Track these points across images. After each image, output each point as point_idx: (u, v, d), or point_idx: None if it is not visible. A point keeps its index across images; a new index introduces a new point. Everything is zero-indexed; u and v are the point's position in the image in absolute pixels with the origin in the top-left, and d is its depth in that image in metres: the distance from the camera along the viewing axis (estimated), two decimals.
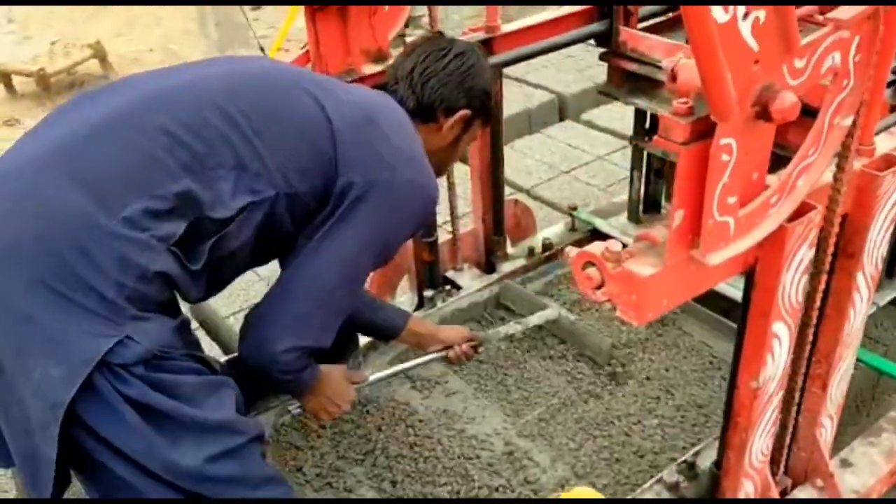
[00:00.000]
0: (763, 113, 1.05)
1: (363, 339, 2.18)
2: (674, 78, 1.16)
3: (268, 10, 5.86)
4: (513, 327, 2.12)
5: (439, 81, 1.60)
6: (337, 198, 1.45)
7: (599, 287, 1.21)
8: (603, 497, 1.21)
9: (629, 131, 3.63)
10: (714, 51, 0.94)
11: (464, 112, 1.63)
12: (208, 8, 3.98)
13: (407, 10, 1.99)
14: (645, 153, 2.41)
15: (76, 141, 1.31)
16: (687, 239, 1.16)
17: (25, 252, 1.24)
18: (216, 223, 1.36)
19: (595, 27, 2.18)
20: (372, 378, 1.88)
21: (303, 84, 1.48)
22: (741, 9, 0.94)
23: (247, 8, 4.40)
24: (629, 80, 2.21)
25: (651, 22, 2.26)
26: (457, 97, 1.61)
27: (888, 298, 2.14)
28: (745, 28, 0.96)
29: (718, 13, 0.92)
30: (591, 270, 1.20)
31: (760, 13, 0.96)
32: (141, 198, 1.28)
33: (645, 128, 2.35)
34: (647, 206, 2.56)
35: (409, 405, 2.10)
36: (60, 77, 5.20)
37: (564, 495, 1.23)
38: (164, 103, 1.36)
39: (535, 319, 2.18)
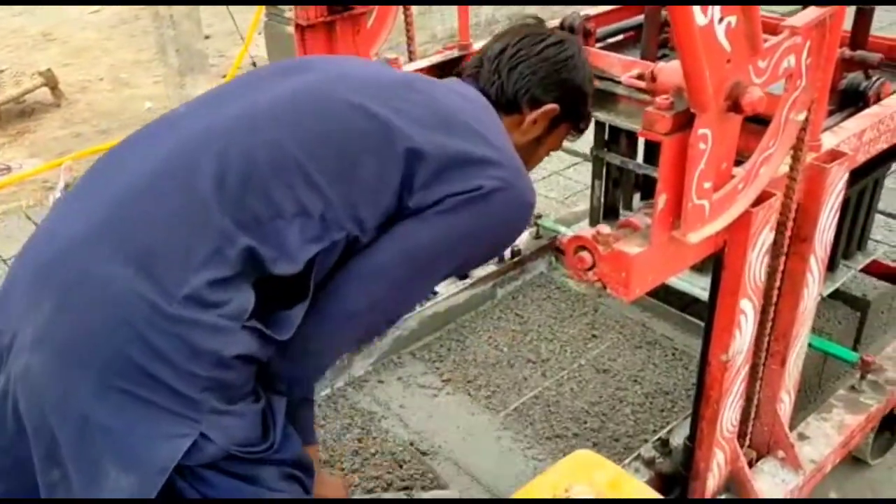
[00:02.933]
0: (734, 106, 1.21)
1: None
2: (654, 78, 1.32)
3: (218, 38, 5.93)
4: None
5: (529, 67, 1.42)
6: (412, 212, 1.24)
7: (591, 268, 1.35)
8: (603, 460, 1.33)
9: (580, 147, 3.83)
10: (696, 49, 1.09)
11: (551, 106, 1.44)
12: (168, 35, 4.05)
13: (389, 27, 2.12)
14: (605, 164, 2.57)
15: (121, 209, 1.15)
16: (669, 221, 1.31)
17: (83, 350, 1.09)
18: (285, 281, 1.17)
19: None
20: None
21: (361, 99, 1.25)
22: (717, 13, 1.10)
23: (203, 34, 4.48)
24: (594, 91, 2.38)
25: (608, 41, 2.44)
26: (546, 88, 1.43)
27: (831, 289, 2.34)
28: (720, 31, 1.12)
29: (699, 17, 1.07)
30: (583, 253, 1.34)
31: (732, 18, 1.13)
32: (199, 269, 1.11)
33: (605, 139, 2.52)
34: (606, 213, 2.72)
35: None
36: (9, 106, 5.16)
37: (563, 462, 1.35)
38: (209, 145, 1.18)
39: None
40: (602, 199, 2.67)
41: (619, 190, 2.67)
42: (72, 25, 6.68)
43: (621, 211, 2.70)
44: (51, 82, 5.18)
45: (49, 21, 6.77)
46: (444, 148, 1.24)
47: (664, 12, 2.31)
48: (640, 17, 2.34)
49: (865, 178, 2.10)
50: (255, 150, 1.18)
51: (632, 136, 2.43)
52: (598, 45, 2.37)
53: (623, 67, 2.15)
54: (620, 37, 2.47)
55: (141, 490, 1.09)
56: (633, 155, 2.50)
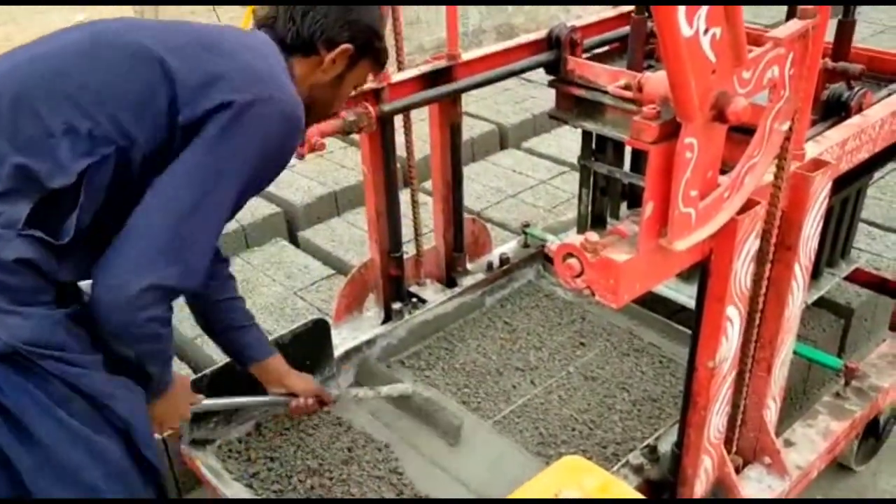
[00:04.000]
0: (719, 116, 1.23)
1: (337, 351, 2.28)
2: (640, 88, 1.34)
3: None
4: (364, 392, 2.17)
5: (320, 12, 1.51)
6: (184, 133, 1.35)
7: (579, 275, 1.36)
8: (592, 465, 1.34)
9: (567, 157, 3.86)
10: (682, 60, 1.11)
11: (346, 46, 1.53)
12: None
13: None
14: (592, 173, 2.60)
15: None
16: (656, 229, 1.32)
17: None
18: (65, 195, 1.32)
19: (544, 56, 2.36)
20: (205, 403, 1.86)
21: (137, 37, 1.40)
22: (702, 25, 1.12)
23: None
24: (577, 104, 2.40)
25: (595, 52, 2.47)
26: (338, 30, 1.52)
27: (815, 297, 2.37)
28: (705, 42, 1.14)
29: (685, 28, 1.09)
30: (572, 261, 1.35)
31: (717, 30, 1.15)
32: None
33: (592, 149, 2.54)
34: (594, 221, 2.74)
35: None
36: None
37: (553, 468, 1.36)
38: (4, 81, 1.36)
39: (388, 390, 2.18)
40: (589, 208, 2.69)
41: (606, 198, 2.70)
42: None
43: (609, 219, 2.73)
44: None
45: (35, 29, 6.74)
46: (203, 67, 1.37)
47: (650, 23, 2.34)
48: (627, 28, 2.37)
49: (849, 187, 2.14)
50: (29, 77, 1.35)
51: (618, 146, 2.45)
52: (586, 55, 2.40)
53: (610, 77, 2.19)
54: (607, 47, 2.51)
55: None
56: (620, 164, 2.52)
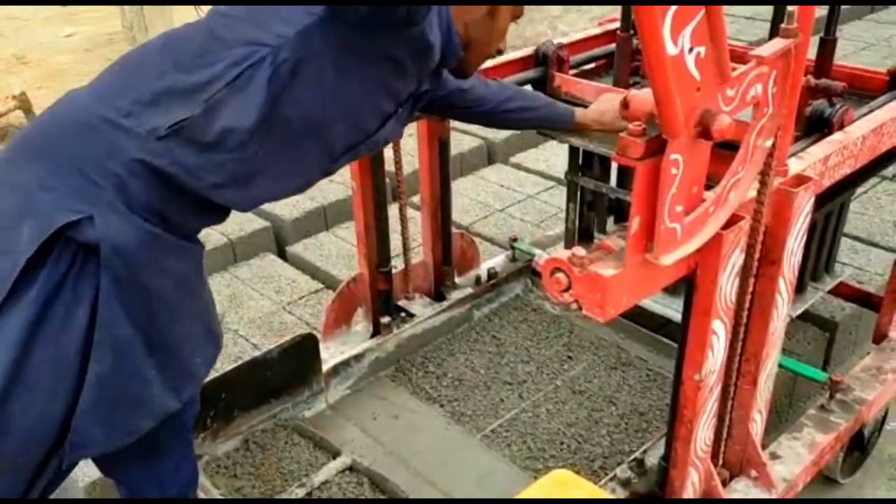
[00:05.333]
0: (704, 132, 1.25)
1: (325, 366, 2.28)
2: (626, 105, 1.36)
3: None
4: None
5: None
6: None
7: (566, 290, 1.38)
8: (581, 480, 1.35)
9: (554, 172, 3.88)
10: (667, 78, 1.13)
11: None
12: None
13: None
14: (579, 188, 2.62)
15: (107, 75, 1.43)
16: (642, 243, 1.34)
17: (44, 146, 1.35)
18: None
19: (532, 73, 2.37)
20: None
21: None
22: (687, 43, 1.14)
23: None
24: None
25: (581, 69, 2.49)
26: None
27: (800, 310, 2.39)
28: (690, 60, 1.17)
29: (670, 46, 1.11)
30: (559, 275, 1.37)
31: (702, 48, 1.17)
32: (132, 94, 1.35)
33: (579, 164, 2.56)
34: (581, 236, 2.76)
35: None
36: None
37: (541, 482, 1.37)
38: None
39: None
40: (576, 223, 2.71)
41: (593, 213, 2.72)
42: (46, 49, 6.66)
43: (596, 234, 2.75)
44: (25, 106, 5.16)
45: (22, 44, 6.75)
46: None
47: (636, 41, 2.37)
48: (613, 46, 2.39)
49: (831, 202, 2.16)
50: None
51: (605, 161, 2.47)
52: (572, 72, 2.43)
53: (596, 94, 2.21)
54: (593, 64, 2.53)
55: (30, 236, 1.27)
56: (606, 179, 2.55)
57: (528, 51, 2.39)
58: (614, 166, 2.51)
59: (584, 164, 2.54)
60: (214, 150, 1.35)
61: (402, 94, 1.56)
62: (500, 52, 1.70)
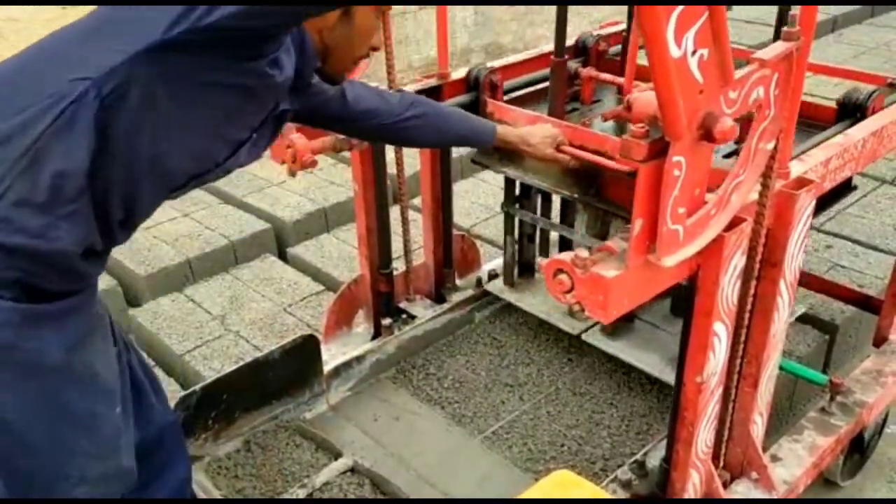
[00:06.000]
0: (707, 135, 1.26)
1: (327, 367, 2.28)
2: (629, 108, 1.37)
3: None
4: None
5: None
6: None
7: (569, 291, 1.38)
8: (582, 480, 1.35)
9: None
10: (670, 80, 1.14)
11: None
12: None
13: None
14: (517, 220, 2.44)
15: None
16: (645, 245, 1.35)
17: None
18: None
19: (463, 98, 2.20)
20: None
21: None
22: (690, 46, 1.14)
23: None
24: (499, 148, 2.12)
25: (515, 94, 2.30)
26: None
27: (798, 313, 2.40)
28: (693, 63, 1.17)
29: (673, 49, 1.12)
30: (562, 277, 1.37)
31: (705, 51, 1.17)
32: None
33: (515, 195, 2.38)
34: (521, 270, 2.57)
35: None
36: None
37: (542, 483, 1.37)
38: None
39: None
40: (516, 257, 2.54)
41: (533, 246, 2.56)
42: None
43: (537, 267, 2.58)
44: None
45: (22, 46, 6.73)
46: None
47: (573, 64, 2.27)
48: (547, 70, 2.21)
49: None
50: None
51: (546, 193, 2.33)
52: (507, 98, 2.27)
53: (529, 122, 2.04)
54: (529, 89, 2.35)
55: None
56: (548, 212, 2.41)
57: (460, 73, 2.25)
58: (556, 199, 2.31)
59: (523, 195, 2.38)
60: (53, 205, 1.20)
61: (255, 120, 1.41)
62: (374, 50, 1.55)
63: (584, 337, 2.35)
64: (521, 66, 2.39)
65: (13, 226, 1.18)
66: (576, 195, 2.02)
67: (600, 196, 1.98)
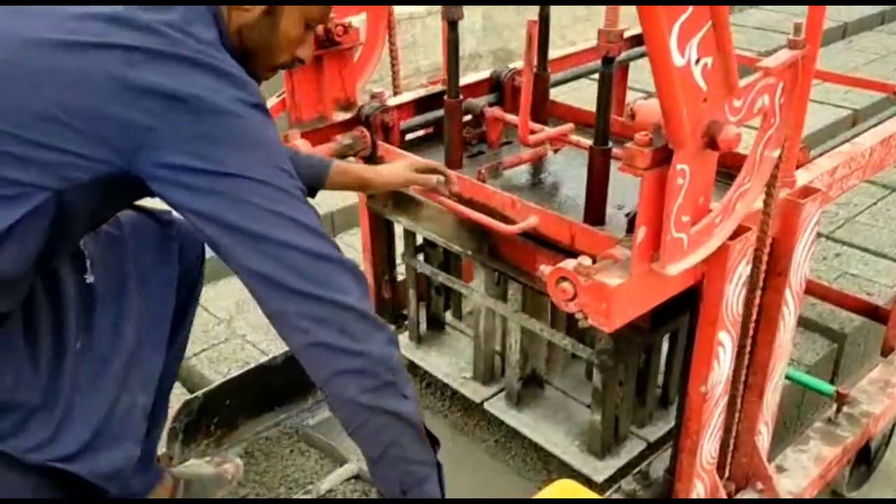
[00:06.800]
0: (711, 143, 1.25)
1: None
2: (633, 116, 1.36)
3: None
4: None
5: None
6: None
7: (572, 299, 1.37)
8: (585, 490, 1.35)
9: None
10: (674, 89, 1.13)
11: None
12: None
13: (375, 63, 2.16)
14: (418, 272, 2.25)
15: None
16: (649, 253, 1.34)
17: None
18: None
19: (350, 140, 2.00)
20: None
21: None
22: (694, 54, 1.14)
23: None
24: (393, 195, 2.09)
25: (415, 135, 2.16)
26: None
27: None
28: (696, 71, 1.16)
29: (677, 58, 1.11)
30: (565, 285, 1.37)
31: (709, 59, 1.17)
32: None
33: (416, 246, 2.23)
34: (429, 324, 2.39)
35: None
36: None
37: (545, 491, 1.36)
38: None
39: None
40: (419, 312, 2.34)
41: (441, 298, 2.37)
42: None
43: (448, 323, 2.41)
44: None
45: None
46: None
47: (480, 101, 2.09)
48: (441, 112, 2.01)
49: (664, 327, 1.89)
50: None
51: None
52: (409, 136, 2.13)
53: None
54: (425, 131, 2.18)
55: None
56: (457, 262, 2.23)
57: (348, 115, 2.03)
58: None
59: (428, 244, 2.19)
60: None
61: None
62: (300, 62, 1.45)
63: (486, 406, 2.14)
64: (419, 104, 2.13)
65: None
66: (468, 252, 1.90)
67: (493, 254, 1.86)
